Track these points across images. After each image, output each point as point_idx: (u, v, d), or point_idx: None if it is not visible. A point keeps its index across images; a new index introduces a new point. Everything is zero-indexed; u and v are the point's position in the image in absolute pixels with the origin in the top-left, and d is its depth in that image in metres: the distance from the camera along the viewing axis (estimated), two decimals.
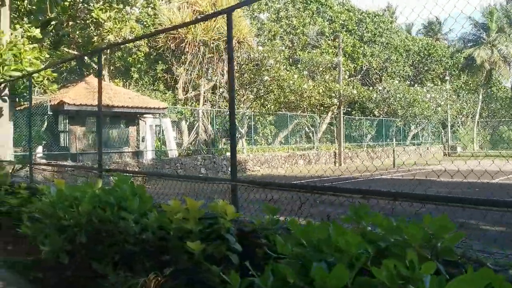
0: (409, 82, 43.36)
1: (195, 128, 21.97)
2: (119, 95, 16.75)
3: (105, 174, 6.91)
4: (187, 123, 24.49)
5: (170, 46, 23.90)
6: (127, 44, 28.59)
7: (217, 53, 20.19)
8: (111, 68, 30.77)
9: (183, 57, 31.52)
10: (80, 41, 25.83)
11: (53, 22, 17.71)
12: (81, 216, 4.79)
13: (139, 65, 32.50)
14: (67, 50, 23.73)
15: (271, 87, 23.38)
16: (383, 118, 36.34)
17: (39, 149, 16.28)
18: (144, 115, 18.95)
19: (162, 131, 21.01)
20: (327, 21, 40.48)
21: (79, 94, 15.80)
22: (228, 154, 21.99)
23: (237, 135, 25.36)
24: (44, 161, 14.67)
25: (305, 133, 29.15)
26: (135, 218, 4.35)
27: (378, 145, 34.78)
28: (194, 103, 32.01)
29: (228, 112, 21.18)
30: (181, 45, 20.35)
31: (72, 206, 4.94)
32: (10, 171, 8.93)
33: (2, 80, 11.46)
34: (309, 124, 29.28)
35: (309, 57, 29.33)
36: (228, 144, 24.46)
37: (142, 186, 5.03)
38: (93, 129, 16.69)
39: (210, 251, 3.69)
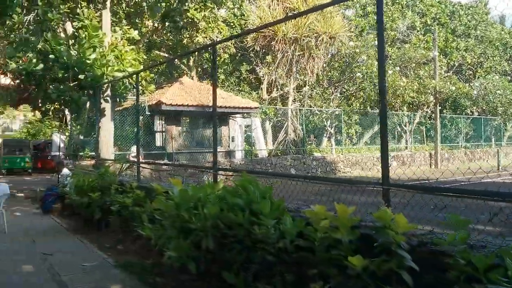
0: (510, 78, 39.81)
1: (284, 127, 21.52)
2: (211, 94, 16.71)
3: (197, 173, 6.58)
4: (271, 123, 24.16)
5: (256, 46, 23.69)
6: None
7: (307, 50, 19.59)
8: (199, 69, 31.41)
9: (268, 57, 31.30)
10: (170, 44, 26.57)
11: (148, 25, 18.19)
12: (207, 219, 4.41)
13: (225, 67, 32.85)
14: (157, 52, 24.47)
15: (362, 84, 22.29)
16: (481, 117, 33.54)
17: (133, 148, 16.68)
18: (235, 115, 18.83)
19: (251, 131, 20.84)
20: (417, 14, 38.32)
21: (175, 94, 16.00)
22: (317, 154, 21.30)
23: (325, 134, 24.70)
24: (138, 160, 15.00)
25: (397, 133, 27.57)
26: (273, 224, 3.86)
27: (476, 146, 32.11)
28: (279, 103, 31.69)
29: (314, 111, 20.40)
30: (271, 43, 19.98)
31: (197, 207, 4.58)
32: (118, 170, 8.96)
33: (106, 80, 11.73)
34: (402, 123, 27.67)
35: (401, 52, 27.73)
36: (319, 144, 23.76)
37: (269, 187, 4.55)
38: (189, 128, 16.82)
39: (373, 268, 3.08)
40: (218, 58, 31.05)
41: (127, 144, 16.33)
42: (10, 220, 9.66)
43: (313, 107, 24.30)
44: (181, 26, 14.30)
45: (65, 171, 11.15)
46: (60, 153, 15.74)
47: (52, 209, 10.88)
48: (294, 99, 24.28)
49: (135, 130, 18.49)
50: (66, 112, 31.57)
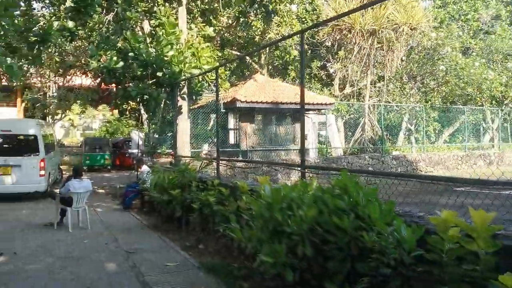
0: None
1: (360, 124, 20.61)
2: (286, 91, 16.32)
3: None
4: (343, 120, 23.26)
5: (328, 41, 22.93)
6: (284, 43, 28.58)
7: (386, 43, 18.55)
8: (270, 67, 31.12)
9: (340, 52, 30.30)
10: (241, 41, 26.52)
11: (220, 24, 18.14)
12: (303, 222, 3.95)
13: (296, 63, 32.29)
14: (229, 50, 24.46)
15: (446, 78, 20.81)
16: None
17: (205, 146, 16.64)
18: (309, 112, 18.27)
19: (324, 128, 20.17)
20: (502, 3, 35.45)
21: (249, 92, 15.76)
22: (396, 153, 20.16)
23: (403, 132, 23.38)
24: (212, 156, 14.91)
25: (482, 129, 25.53)
26: (390, 231, 3.32)
27: None
28: (352, 99, 30.59)
29: (392, 107, 19.24)
30: (347, 36, 19.16)
31: (291, 208, 4.14)
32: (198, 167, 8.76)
33: (183, 77, 11.66)
34: (485, 120, 25.60)
35: (487, 43, 25.66)
36: (394, 142, 22.56)
37: (374, 189, 4.01)
38: (263, 125, 16.50)
39: None
40: (287, 55, 30.58)
41: (201, 142, 16.32)
42: (92, 216, 9.83)
43: (391, 103, 23.06)
44: (271, 11, 13.93)
45: (145, 168, 11.23)
46: (139, 151, 16.14)
47: (132, 206, 10.99)
48: (371, 95, 23.20)
49: (209, 127, 18.58)
50: (142, 111, 32.73)
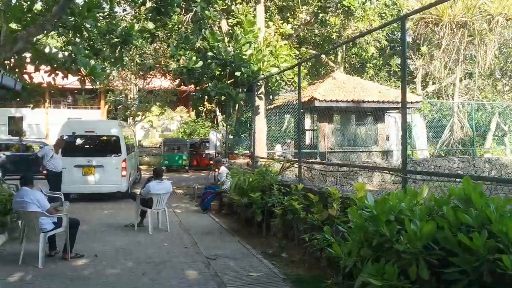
0: None
1: (449, 125, 19.08)
2: (368, 89, 15.43)
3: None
4: (425, 120, 21.72)
5: (409, 37, 21.55)
6: (362, 40, 27.45)
7: (478, 36, 16.96)
8: (346, 65, 30.11)
9: (423, 48, 28.57)
10: (317, 40, 25.81)
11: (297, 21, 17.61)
12: (417, 238, 3.31)
13: (375, 60, 30.98)
14: (305, 49, 23.86)
15: None
16: None
17: (277, 147, 16.15)
18: (391, 111, 17.20)
19: (408, 128, 18.93)
20: None
21: (328, 90, 15.07)
22: (489, 155, 18.42)
23: (495, 132, 21.39)
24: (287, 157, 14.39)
25: None
26: None
27: None
28: (435, 97, 28.74)
29: (483, 105, 17.54)
30: (434, 30, 17.81)
31: (401, 222, 3.51)
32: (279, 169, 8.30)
33: (262, 76, 11.30)
34: None
35: None
36: (482, 144, 20.69)
37: (507, 200, 3.27)
38: (342, 125, 15.74)
39: None
40: (365, 52, 29.36)
41: (273, 143, 15.88)
42: (171, 218, 9.72)
43: (483, 101, 21.19)
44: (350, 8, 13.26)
45: (223, 169, 10.99)
46: (216, 151, 16.10)
47: (210, 208, 10.79)
48: (460, 93, 21.50)
49: (283, 128, 18.13)
50: (217, 112, 33.07)
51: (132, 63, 16.30)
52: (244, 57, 10.90)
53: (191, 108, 36.00)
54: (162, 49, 16.38)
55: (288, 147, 17.45)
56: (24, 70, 10.35)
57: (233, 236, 8.08)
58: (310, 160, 11.65)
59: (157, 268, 6.01)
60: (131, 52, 15.38)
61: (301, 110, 14.71)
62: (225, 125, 31.89)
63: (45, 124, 32.30)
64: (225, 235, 8.21)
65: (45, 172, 10.49)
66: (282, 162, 8.58)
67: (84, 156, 12.37)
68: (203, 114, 35.82)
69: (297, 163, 8.11)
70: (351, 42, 24.22)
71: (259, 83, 11.90)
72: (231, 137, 19.64)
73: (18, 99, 9.85)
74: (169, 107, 32.58)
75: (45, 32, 8.82)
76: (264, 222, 7.89)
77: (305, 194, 6.12)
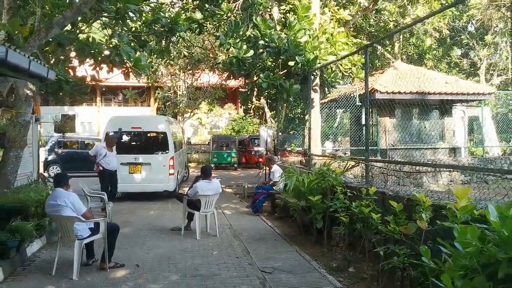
0: None
1: None
2: (434, 80, 13.98)
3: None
4: (491, 114, 19.83)
5: (471, 26, 19.73)
6: (420, 29, 25.70)
7: None
8: (403, 57, 28.39)
9: (487, 36, 26.54)
10: (372, 30, 24.37)
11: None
12: None
13: (434, 51, 29.07)
14: (359, 40, 22.51)
15: None
16: None
17: (327, 144, 14.99)
18: (457, 104, 15.65)
19: (475, 122, 17.28)
20: None
21: (389, 81, 13.78)
22: None
23: None
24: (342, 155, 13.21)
25: None
26: None
27: None
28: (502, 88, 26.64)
29: None
30: (506, 14, 16.07)
31: None
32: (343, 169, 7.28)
33: (319, 64, 10.26)
34: None
35: None
36: None
37: None
38: (406, 120, 14.36)
39: None
40: (422, 43, 27.53)
41: (323, 139, 14.74)
42: (221, 219, 8.93)
43: None
44: None
45: (276, 168, 10.07)
46: (266, 148, 15.21)
47: (262, 209, 9.92)
48: None
49: (336, 124, 16.92)
50: (266, 109, 32.21)
51: (180, 57, 15.63)
52: (299, 44, 9.90)
53: (239, 105, 35.51)
54: (210, 41, 15.60)
55: (339, 144, 16.24)
56: (70, 64, 9.96)
57: (289, 244, 7.15)
58: (381, 159, 10.50)
59: (205, 283, 5.18)
60: (178, 45, 14.75)
61: (359, 103, 13.64)
62: (273, 121, 31.10)
63: (96, 122, 32.73)
64: (280, 243, 7.29)
65: (100, 168, 9.92)
66: (345, 161, 7.50)
67: (130, 153, 11.80)
68: (251, 111, 35.15)
69: (363, 162, 7.04)
70: (410, 27, 22.58)
71: (314, 73, 10.86)
72: (280, 133, 18.71)
73: (61, 94, 9.34)
74: (217, 104, 32.14)
75: (83, 16, 8.25)
76: (325, 230, 6.91)
77: (379, 199, 5.09)
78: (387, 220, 4.66)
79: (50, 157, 18.33)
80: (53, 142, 18.66)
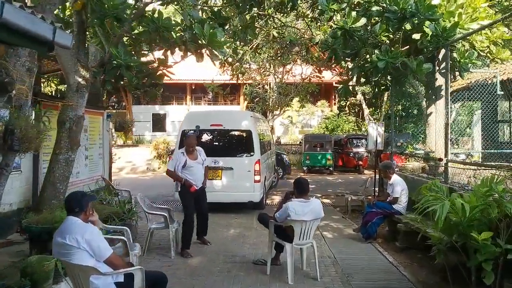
0: None
1: None
2: None
3: None
4: None
5: None
6: None
7: None
8: None
9: None
10: None
11: None
12: None
13: None
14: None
15: None
16: None
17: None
18: None
19: None
20: None
21: None
22: None
23: None
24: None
25: None
26: None
27: None
28: None
29: None
30: None
31: None
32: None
33: (459, 35, 7.39)
34: None
35: None
36: None
37: None
38: None
39: None
40: None
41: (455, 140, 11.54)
42: (320, 248, 6.53)
43: None
44: None
45: (396, 179, 7.37)
46: (367, 150, 12.74)
47: (376, 235, 7.33)
48: None
49: (471, 118, 13.62)
50: (364, 105, 29.10)
51: (268, 40, 13.33)
52: (433, 6, 7.11)
53: (333, 101, 32.71)
54: (305, 20, 13.07)
55: (462, 146, 12.88)
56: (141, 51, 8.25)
57: None
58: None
59: None
60: (266, 28, 12.48)
61: (501, 93, 10.42)
62: (371, 118, 27.89)
63: None
64: None
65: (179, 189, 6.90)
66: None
67: (209, 155, 9.66)
68: (346, 108, 32.19)
69: None
70: None
71: (439, 55, 7.97)
72: (389, 131, 15.73)
73: (121, 82, 7.55)
74: (309, 101, 29.69)
75: None
76: (497, 283, 4.22)
77: None
78: None
79: None
80: None
